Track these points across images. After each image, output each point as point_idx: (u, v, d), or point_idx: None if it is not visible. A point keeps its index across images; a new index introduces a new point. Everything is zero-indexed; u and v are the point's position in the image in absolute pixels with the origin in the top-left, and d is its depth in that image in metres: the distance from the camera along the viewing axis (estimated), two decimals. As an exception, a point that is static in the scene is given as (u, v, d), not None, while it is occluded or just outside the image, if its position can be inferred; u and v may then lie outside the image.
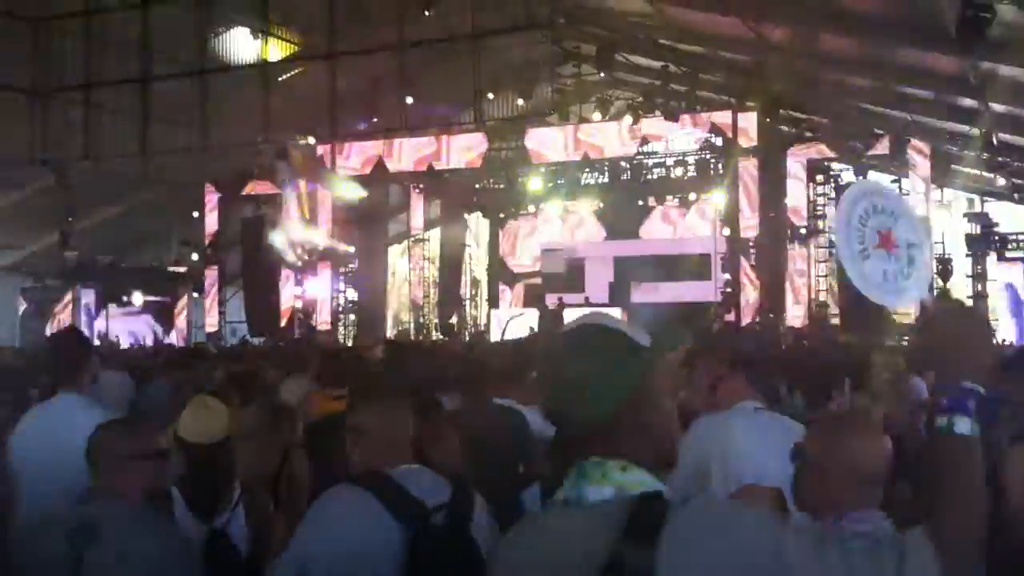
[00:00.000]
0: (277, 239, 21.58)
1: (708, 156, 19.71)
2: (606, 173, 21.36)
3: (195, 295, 23.71)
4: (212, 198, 22.89)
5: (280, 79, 16.30)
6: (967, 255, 19.10)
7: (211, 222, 22.94)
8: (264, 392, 5.72)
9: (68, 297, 23.60)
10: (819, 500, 2.33)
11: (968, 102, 15.25)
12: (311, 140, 20.61)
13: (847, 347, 11.79)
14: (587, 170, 21.33)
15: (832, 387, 5.66)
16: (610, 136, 19.38)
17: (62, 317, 23.63)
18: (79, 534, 2.62)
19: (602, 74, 18.16)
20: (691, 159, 19.96)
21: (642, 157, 20.23)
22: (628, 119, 18.76)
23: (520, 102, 19.63)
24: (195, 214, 22.94)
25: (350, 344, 17.95)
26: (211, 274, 23.05)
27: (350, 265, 22.82)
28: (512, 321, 22.16)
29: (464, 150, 20.59)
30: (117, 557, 2.64)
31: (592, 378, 1.65)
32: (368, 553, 2.54)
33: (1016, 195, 19.77)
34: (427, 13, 15.40)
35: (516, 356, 5.47)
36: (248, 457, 3.62)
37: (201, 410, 3.54)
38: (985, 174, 18.64)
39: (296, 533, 2.67)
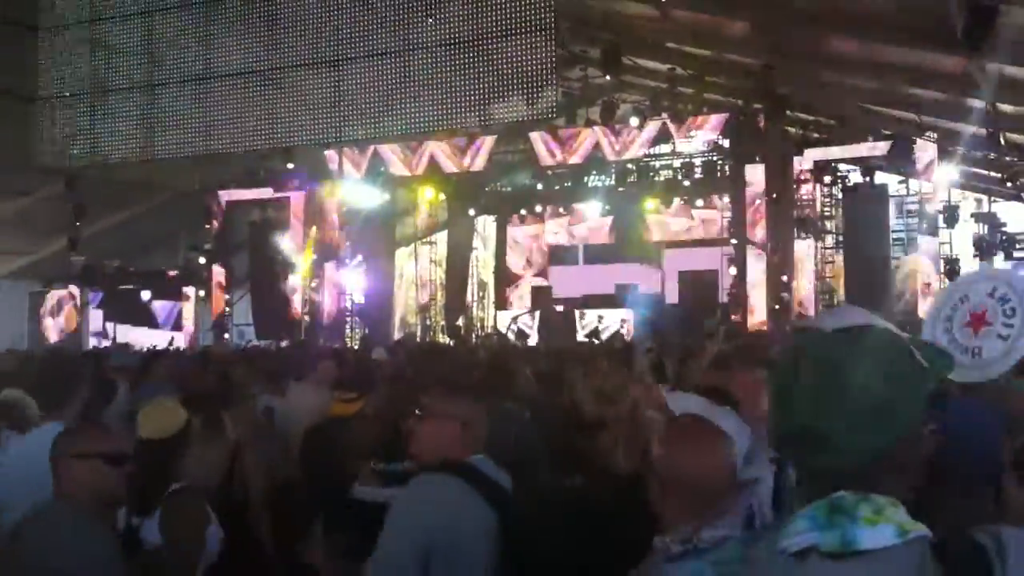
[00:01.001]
0: (285, 243, 21.68)
1: (715, 158, 19.67)
2: (612, 175, 21.33)
3: (201, 296, 23.76)
4: (219, 203, 22.93)
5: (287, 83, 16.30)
6: (975, 255, 19.05)
7: (218, 226, 22.99)
8: (243, 399, 5.69)
9: (58, 297, 23.72)
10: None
11: (975, 102, 15.23)
12: (318, 144, 20.65)
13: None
14: (594, 172, 21.30)
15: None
16: (616, 138, 19.37)
17: (58, 320, 23.75)
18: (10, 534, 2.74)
19: (608, 77, 18.12)
20: (698, 161, 19.92)
21: (649, 159, 20.19)
22: (635, 121, 18.73)
23: (526, 105, 19.61)
24: (202, 219, 22.98)
25: (355, 347, 17.96)
26: (218, 278, 23.09)
27: (357, 267, 22.84)
28: (515, 322, 22.26)
29: (471, 153, 20.60)
30: (36, 556, 2.68)
31: (884, 401, 1.35)
32: (474, 535, 2.65)
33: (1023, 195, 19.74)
34: (430, 21, 15.40)
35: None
36: (190, 465, 3.58)
37: (158, 409, 3.55)
38: (993, 174, 18.61)
39: (397, 520, 2.70)
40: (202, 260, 23.19)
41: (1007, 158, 17.12)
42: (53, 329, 24.41)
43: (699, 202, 22.40)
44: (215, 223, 22.91)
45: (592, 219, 24.41)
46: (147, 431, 3.47)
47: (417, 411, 3.03)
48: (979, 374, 1.99)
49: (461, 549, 2.61)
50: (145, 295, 24.33)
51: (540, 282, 25.00)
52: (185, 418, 3.56)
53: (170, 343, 19.08)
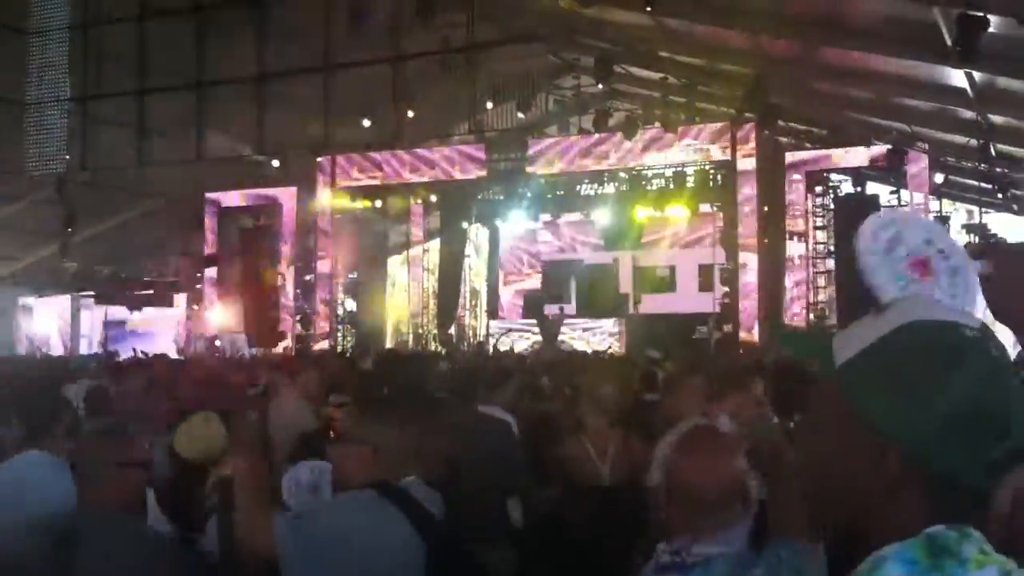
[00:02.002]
0: (277, 250, 21.67)
1: (707, 167, 19.68)
2: (605, 184, 21.34)
3: (194, 306, 23.72)
4: (211, 210, 22.90)
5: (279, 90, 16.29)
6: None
7: (210, 233, 22.95)
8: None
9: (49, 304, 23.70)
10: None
11: (967, 113, 15.28)
12: (310, 153, 20.66)
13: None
14: (586, 181, 21.30)
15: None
16: (609, 147, 19.38)
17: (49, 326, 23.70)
18: (65, 541, 2.67)
19: (601, 86, 18.16)
20: (690, 170, 19.92)
21: (641, 168, 20.20)
22: (627, 130, 18.74)
23: (520, 114, 19.67)
24: (194, 226, 22.94)
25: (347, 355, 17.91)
26: (210, 285, 23.06)
27: (349, 275, 22.81)
28: (503, 336, 22.25)
29: (464, 161, 20.61)
30: (102, 558, 2.67)
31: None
32: (392, 558, 2.56)
33: (1014, 206, 19.78)
34: (424, 26, 15.40)
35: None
36: None
37: (200, 427, 3.53)
38: (984, 185, 18.65)
39: (311, 518, 2.64)
40: (194, 267, 23.17)
41: (998, 169, 17.16)
42: (43, 335, 24.37)
43: (691, 210, 22.41)
44: (207, 230, 22.87)
45: (586, 227, 24.41)
46: (192, 451, 3.46)
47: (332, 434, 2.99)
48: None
49: (366, 566, 2.55)
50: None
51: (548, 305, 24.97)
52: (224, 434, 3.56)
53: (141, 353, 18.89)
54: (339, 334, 22.46)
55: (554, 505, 4.58)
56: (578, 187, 21.46)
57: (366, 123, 18.56)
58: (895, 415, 1.15)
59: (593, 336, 21.75)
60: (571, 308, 23.11)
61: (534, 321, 22.06)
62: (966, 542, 1.09)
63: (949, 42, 11.27)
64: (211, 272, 22.92)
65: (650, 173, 20.39)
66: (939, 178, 17.84)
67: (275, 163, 18.59)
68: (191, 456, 3.43)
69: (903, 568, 1.08)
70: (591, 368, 7.24)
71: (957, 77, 13.36)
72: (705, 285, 21.81)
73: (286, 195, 22.08)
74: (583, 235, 24.69)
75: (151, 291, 24.54)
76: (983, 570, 1.07)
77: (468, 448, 4.34)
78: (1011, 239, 19.84)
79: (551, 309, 22.76)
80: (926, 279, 1.72)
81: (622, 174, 20.63)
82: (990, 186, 17.98)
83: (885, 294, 1.68)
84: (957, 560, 1.07)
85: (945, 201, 19.80)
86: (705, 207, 21.78)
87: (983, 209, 20.83)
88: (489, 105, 18.89)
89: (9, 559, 2.90)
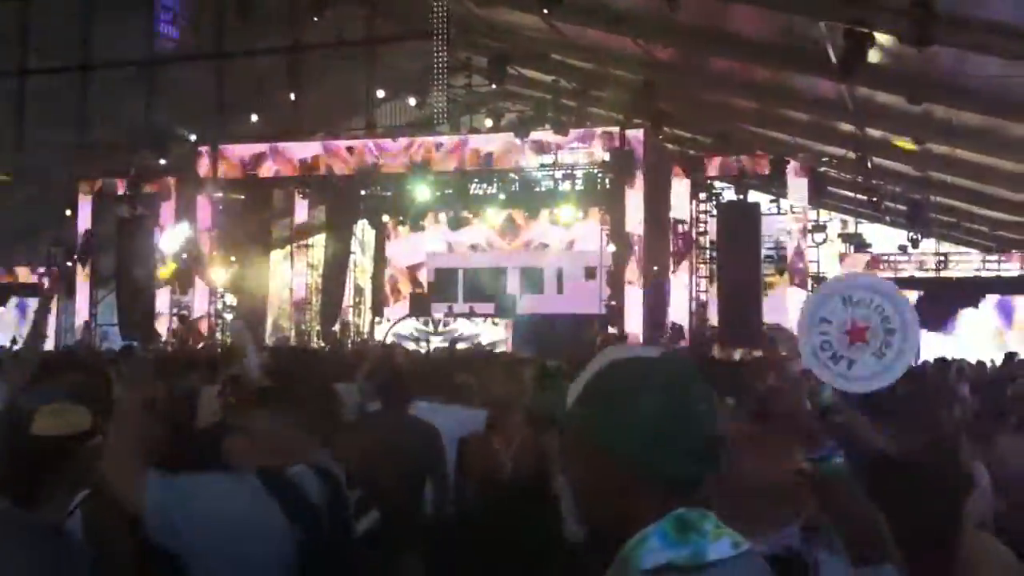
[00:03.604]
0: (154, 241, 20.95)
1: (596, 171, 19.91)
2: (495, 184, 21.37)
3: (65, 297, 22.77)
4: (85, 197, 22.04)
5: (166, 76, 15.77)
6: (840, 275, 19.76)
7: (83, 222, 22.07)
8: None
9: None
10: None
11: (846, 126, 15.84)
12: (191, 139, 20.08)
13: (725, 361, 12.06)
14: (476, 180, 21.29)
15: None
16: (500, 147, 19.42)
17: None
18: None
19: (494, 86, 18.17)
20: (579, 173, 20.13)
21: (531, 170, 20.30)
22: (518, 131, 18.80)
23: (411, 109, 19.54)
24: (67, 213, 22.03)
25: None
26: (82, 276, 22.20)
27: (229, 269, 22.21)
28: (395, 327, 22.12)
29: (352, 157, 20.35)
30: None
31: (714, 419, 1.48)
32: (256, 543, 2.42)
33: (887, 217, 20.61)
34: (315, 19, 15.13)
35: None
36: None
37: (58, 409, 3.38)
38: (859, 196, 19.39)
39: (187, 481, 2.47)
40: (65, 257, 22.25)
41: (873, 181, 17.85)
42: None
43: (580, 212, 22.63)
44: (80, 218, 22.00)
45: (475, 227, 24.38)
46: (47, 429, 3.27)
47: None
48: (849, 385, 2.05)
49: (229, 552, 2.40)
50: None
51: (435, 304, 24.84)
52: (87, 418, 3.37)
53: (12, 341, 18.07)
54: (217, 330, 21.89)
55: (466, 501, 4.58)
56: (468, 186, 21.42)
57: (254, 116, 18.17)
58: (608, 431, 1.46)
59: (479, 338, 21.78)
60: (459, 308, 23.06)
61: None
62: (705, 520, 1.40)
63: (832, 56, 11.65)
64: (83, 262, 22.09)
65: (539, 175, 20.50)
66: (817, 188, 18.45)
67: (158, 156, 17.97)
68: (54, 432, 3.26)
69: (659, 541, 1.38)
70: (496, 367, 7.22)
71: (838, 91, 13.84)
72: (591, 287, 22.05)
73: (166, 185, 21.42)
74: (471, 236, 24.64)
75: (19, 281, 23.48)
76: (719, 540, 1.38)
77: (386, 446, 4.32)
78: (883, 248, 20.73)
79: (440, 310, 22.70)
80: (856, 343, 1.97)
81: (512, 175, 20.69)
82: (865, 197, 18.69)
83: (806, 365, 1.96)
84: (699, 533, 1.38)
85: (822, 211, 20.50)
86: (593, 210, 22.03)
87: (858, 220, 21.68)
88: (381, 94, 18.69)
89: None
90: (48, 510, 3.12)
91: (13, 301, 23.74)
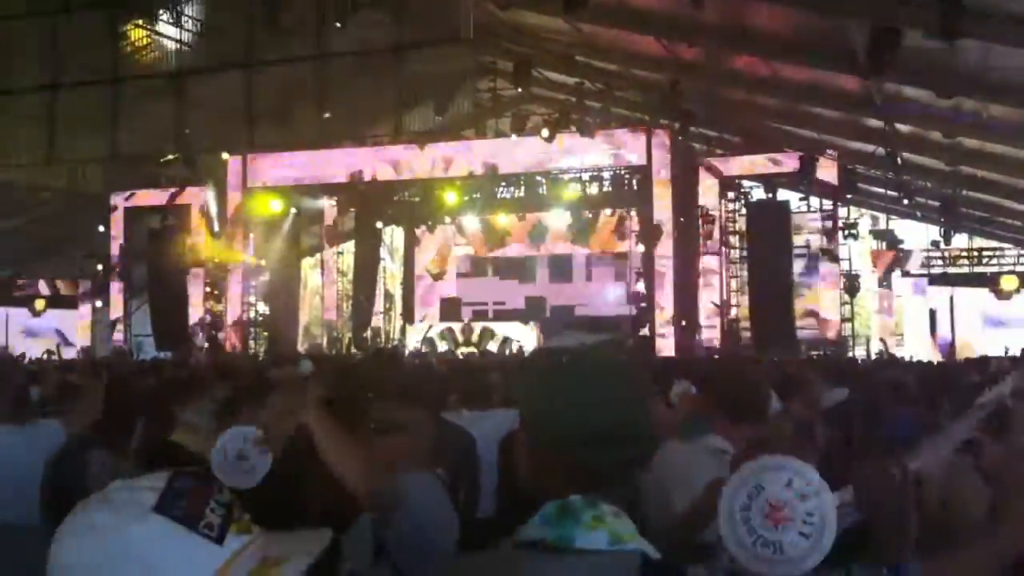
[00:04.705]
0: (186, 252, 21.18)
1: (623, 172, 19.87)
2: (522, 187, 21.38)
3: (99, 306, 23.05)
4: (118, 209, 22.30)
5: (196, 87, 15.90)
6: (872, 271, 19.62)
7: (116, 233, 22.33)
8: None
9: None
10: None
11: (874, 122, 15.70)
12: (224, 154, 20.24)
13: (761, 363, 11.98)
14: (503, 184, 21.32)
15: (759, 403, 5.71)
16: (526, 150, 19.45)
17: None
18: None
19: (519, 89, 18.17)
20: (606, 175, 20.10)
21: (557, 172, 20.30)
22: (544, 134, 18.79)
23: (438, 116, 19.61)
24: (100, 226, 22.29)
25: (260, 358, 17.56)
26: (116, 287, 22.45)
27: (261, 278, 22.37)
28: (429, 333, 22.23)
29: (378, 163, 20.47)
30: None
31: (632, 410, 1.53)
32: (444, 533, 2.61)
33: (918, 213, 20.40)
34: (337, 24, 15.19)
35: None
36: None
37: None
38: (890, 192, 19.20)
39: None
40: (99, 268, 22.53)
41: (904, 177, 17.67)
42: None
43: (607, 214, 22.60)
44: (113, 230, 22.26)
45: (502, 230, 24.41)
46: None
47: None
48: (787, 569, 2.06)
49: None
50: (39, 304, 23.59)
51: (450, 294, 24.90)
52: None
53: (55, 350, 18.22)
54: (250, 338, 22.04)
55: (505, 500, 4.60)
56: (495, 189, 21.45)
57: (283, 124, 18.31)
58: (523, 417, 1.58)
59: (509, 339, 21.82)
60: (490, 310, 23.16)
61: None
62: (589, 509, 1.43)
63: (859, 53, 11.54)
64: (117, 274, 22.36)
65: (566, 177, 20.50)
66: (847, 185, 18.29)
67: (189, 167, 18.13)
68: None
69: (540, 520, 1.45)
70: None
71: (865, 87, 13.72)
72: (620, 289, 22.04)
73: (196, 196, 21.62)
74: (498, 239, 24.65)
75: (55, 293, 23.77)
76: (595, 531, 1.41)
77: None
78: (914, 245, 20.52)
79: (469, 313, 22.80)
80: (780, 524, 1.98)
81: (538, 177, 20.70)
82: (896, 193, 18.51)
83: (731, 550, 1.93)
84: (575, 521, 1.42)
85: (852, 208, 20.34)
86: (620, 211, 22.01)
87: (889, 216, 21.48)
88: (406, 100, 18.76)
89: None
90: None
91: (50, 312, 23.98)
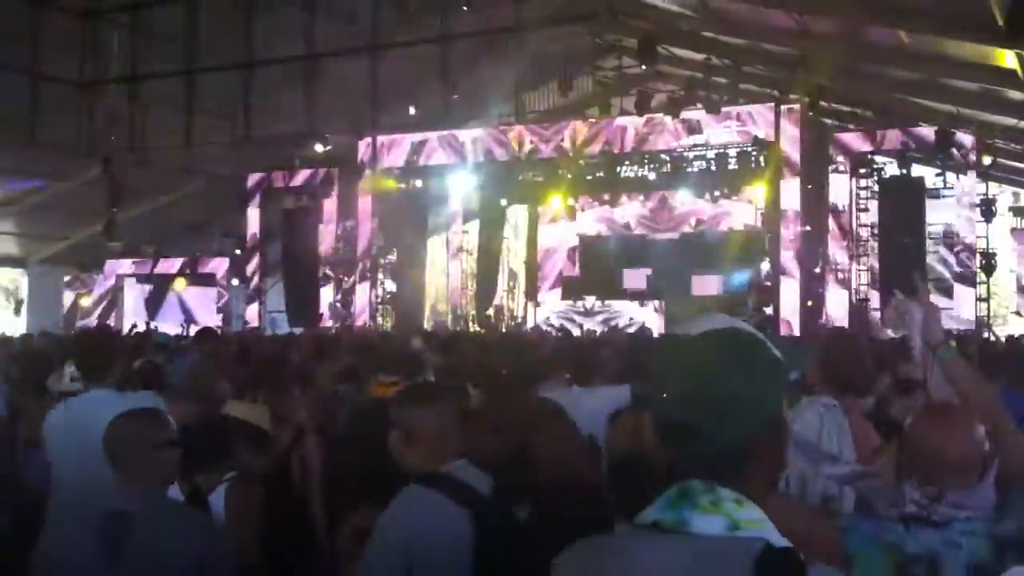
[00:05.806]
0: (318, 231, 21.87)
1: (750, 149, 19.52)
2: (646, 166, 21.22)
3: (236, 284, 23.99)
4: (254, 190, 23.16)
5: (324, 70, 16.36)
6: (1013, 249, 18.83)
7: (253, 213, 23.20)
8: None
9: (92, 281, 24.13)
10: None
11: (1015, 94, 15.04)
12: (353, 134, 20.78)
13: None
14: (627, 163, 21.20)
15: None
16: (650, 128, 19.34)
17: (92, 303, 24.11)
18: (114, 524, 2.75)
19: (643, 67, 18.05)
20: (732, 152, 19.78)
21: (683, 150, 20.07)
22: (669, 111, 18.63)
23: (561, 96, 19.65)
24: (238, 206, 23.19)
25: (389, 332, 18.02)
26: (252, 265, 23.32)
27: (388, 257, 22.93)
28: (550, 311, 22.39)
29: (503, 143, 20.71)
30: (155, 548, 2.76)
31: (746, 393, 1.46)
32: (448, 547, 2.63)
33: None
34: (465, 8, 15.39)
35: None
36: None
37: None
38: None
39: (378, 536, 2.72)
40: (236, 247, 23.46)
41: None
42: (86, 312, 24.75)
43: (734, 192, 22.27)
44: (250, 210, 23.13)
45: (627, 209, 24.34)
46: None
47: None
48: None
49: (437, 562, 2.61)
50: (180, 286, 24.68)
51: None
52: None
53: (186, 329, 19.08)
54: (378, 315, 22.60)
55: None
56: (619, 168, 21.35)
57: (411, 107, 18.68)
58: (652, 406, 1.54)
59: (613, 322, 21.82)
60: (612, 290, 23.15)
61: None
62: (707, 493, 1.42)
63: (1000, 20, 11.09)
64: (254, 251, 23.23)
65: (692, 155, 20.26)
66: (986, 160, 17.57)
67: (319, 146, 18.66)
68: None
69: (663, 501, 1.46)
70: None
71: (1006, 57, 13.16)
72: (746, 270, 21.72)
73: (329, 176, 22.28)
74: (623, 218, 24.57)
75: (194, 271, 24.82)
76: (710, 516, 1.40)
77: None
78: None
79: (592, 291, 22.89)
80: None
81: (664, 156, 20.51)
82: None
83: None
84: (692, 504, 1.42)
85: (991, 183, 19.50)
86: (747, 189, 21.65)
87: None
88: (530, 79, 18.85)
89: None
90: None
91: (193, 290, 25.05)
